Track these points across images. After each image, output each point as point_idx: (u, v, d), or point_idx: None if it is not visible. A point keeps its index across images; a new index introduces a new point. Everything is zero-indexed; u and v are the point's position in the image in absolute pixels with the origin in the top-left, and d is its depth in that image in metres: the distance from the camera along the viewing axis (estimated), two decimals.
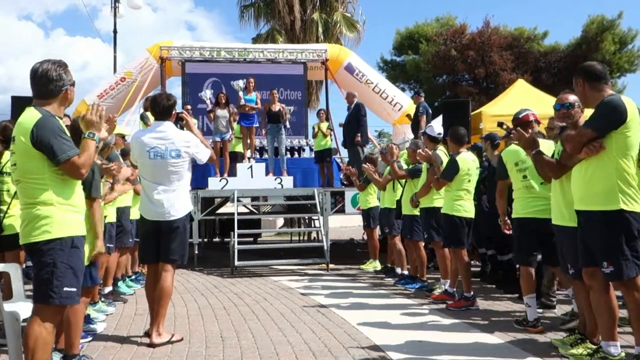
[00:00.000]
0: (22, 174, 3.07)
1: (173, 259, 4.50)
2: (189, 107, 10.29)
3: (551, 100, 10.23)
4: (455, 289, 5.93)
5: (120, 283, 6.61)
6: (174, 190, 4.46)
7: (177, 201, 4.46)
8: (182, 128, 4.88)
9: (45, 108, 3.14)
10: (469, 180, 5.79)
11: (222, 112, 10.40)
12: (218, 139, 10.34)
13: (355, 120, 10.19)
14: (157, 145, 4.41)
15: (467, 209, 5.78)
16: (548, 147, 4.29)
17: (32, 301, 3.68)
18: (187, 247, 4.66)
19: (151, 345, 4.35)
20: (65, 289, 3.06)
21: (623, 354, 3.57)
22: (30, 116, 3.08)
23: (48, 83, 3.15)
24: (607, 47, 21.99)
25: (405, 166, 7.29)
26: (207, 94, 11.03)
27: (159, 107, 4.53)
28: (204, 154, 4.61)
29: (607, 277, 3.38)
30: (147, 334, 4.56)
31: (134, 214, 6.48)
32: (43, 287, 3.04)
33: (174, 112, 4.62)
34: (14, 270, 3.99)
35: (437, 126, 6.68)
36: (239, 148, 11.34)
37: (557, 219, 3.97)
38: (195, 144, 4.54)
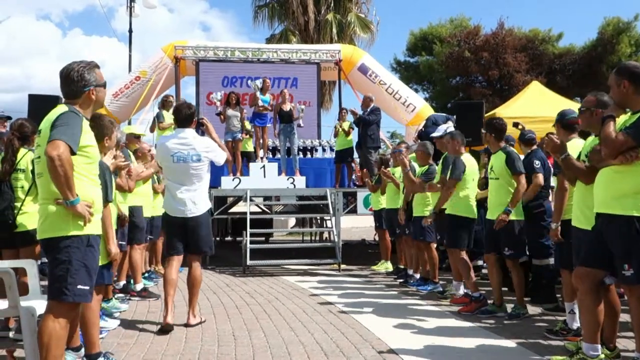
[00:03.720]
0: (45, 167, 3.07)
1: (204, 250, 5.05)
2: (170, 98, 10.98)
3: (566, 102, 10.22)
4: (480, 294, 5.71)
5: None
6: (195, 190, 4.90)
7: (198, 199, 4.91)
8: (202, 133, 5.15)
9: (74, 107, 3.20)
10: (473, 180, 5.86)
11: (233, 112, 10.45)
12: (230, 139, 10.38)
13: (375, 124, 10.19)
14: (180, 150, 4.85)
15: (473, 210, 5.82)
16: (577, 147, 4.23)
17: (46, 297, 3.75)
18: (212, 238, 5.19)
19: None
20: (78, 286, 3.09)
21: (602, 356, 3.61)
22: (57, 110, 3.15)
23: (70, 83, 3.23)
24: (623, 50, 21.76)
25: (417, 167, 7.26)
26: (217, 95, 11.10)
27: (181, 115, 4.98)
28: (221, 157, 5.03)
29: (624, 280, 3.35)
30: (162, 330, 4.74)
31: (147, 212, 6.55)
32: (57, 284, 3.08)
33: (194, 119, 5.07)
34: (30, 266, 4.03)
35: (441, 129, 6.70)
36: (249, 147, 11.37)
37: (577, 222, 3.93)
38: (213, 149, 4.97)
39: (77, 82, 3.22)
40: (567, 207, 4.40)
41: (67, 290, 3.06)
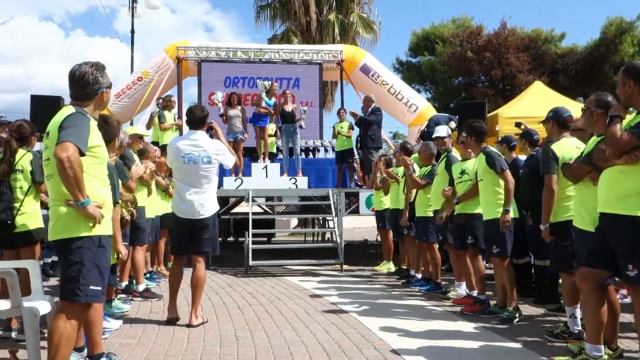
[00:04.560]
0: (54, 168, 3.07)
1: (205, 251, 5.05)
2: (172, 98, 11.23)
3: (568, 102, 10.19)
4: (484, 295, 5.68)
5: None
6: (204, 192, 4.96)
7: (206, 201, 4.96)
8: (211, 137, 5.31)
9: (81, 108, 3.21)
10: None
11: (234, 112, 10.45)
12: (231, 139, 10.37)
13: (376, 124, 10.17)
14: (191, 152, 4.91)
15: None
16: (577, 146, 4.22)
17: (49, 298, 3.76)
18: (217, 240, 5.22)
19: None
20: (91, 287, 3.10)
21: (605, 357, 3.60)
22: (64, 112, 3.15)
23: (85, 86, 3.23)
24: (626, 49, 21.74)
25: (417, 169, 7.25)
26: (218, 96, 11.11)
27: (194, 118, 5.05)
28: (230, 161, 5.16)
29: (628, 280, 3.34)
30: (169, 321, 5.03)
31: (149, 213, 6.55)
32: (70, 285, 3.09)
33: (206, 122, 5.15)
34: (33, 267, 4.03)
35: (442, 129, 6.68)
36: (273, 148, 11.38)
37: (578, 223, 3.92)
38: (223, 152, 5.05)
39: (92, 84, 3.23)
40: (560, 208, 4.43)
41: (80, 291, 3.07)
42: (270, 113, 10.85)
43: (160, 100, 11.43)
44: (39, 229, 4.63)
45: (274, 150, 11.33)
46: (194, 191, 4.92)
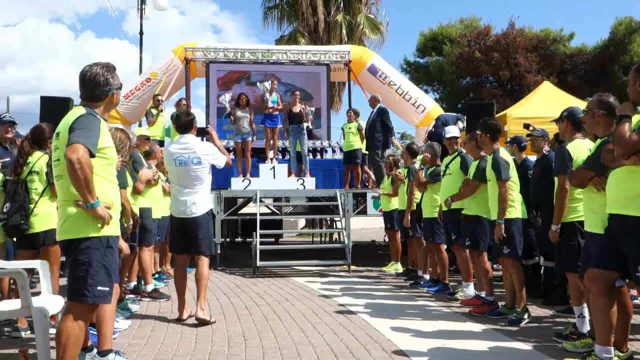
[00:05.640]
0: (64, 169, 3.08)
1: (202, 251, 5.21)
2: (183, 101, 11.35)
3: (577, 102, 10.14)
4: (492, 296, 5.67)
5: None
6: (196, 192, 5.19)
7: (198, 201, 5.18)
8: (208, 140, 5.57)
9: (92, 109, 3.23)
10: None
11: (242, 113, 10.45)
12: (239, 140, 10.40)
13: (380, 124, 10.14)
14: (181, 155, 5.18)
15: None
16: (589, 148, 4.21)
17: (61, 297, 3.78)
18: (212, 239, 5.44)
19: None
20: (98, 288, 3.11)
21: (616, 359, 3.57)
22: (75, 112, 3.17)
23: (95, 87, 3.24)
24: (635, 49, 21.60)
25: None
26: (226, 97, 11.12)
27: (181, 122, 5.35)
28: (220, 161, 5.35)
29: (638, 281, 3.32)
30: (179, 319, 5.19)
31: (156, 213, 6.58)
32: (77, 286, 3.10)
33: (194, 125, 5.41)
34: (43, 267, 4.05)
35: (454, 129, 6.66)
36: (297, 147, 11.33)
37: (587, 226, 3.89)
38: (213, 152, 5.29)
39: (102, 85, 3.25)
40: (568, 208, 4.40)
41: (87, 292, 3.09)
42: (277, 109, 10.84)
43: (159, 98, 11.38)
44: (54, 230, 4.65)
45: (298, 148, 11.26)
46: (187, 192, 5.17)
